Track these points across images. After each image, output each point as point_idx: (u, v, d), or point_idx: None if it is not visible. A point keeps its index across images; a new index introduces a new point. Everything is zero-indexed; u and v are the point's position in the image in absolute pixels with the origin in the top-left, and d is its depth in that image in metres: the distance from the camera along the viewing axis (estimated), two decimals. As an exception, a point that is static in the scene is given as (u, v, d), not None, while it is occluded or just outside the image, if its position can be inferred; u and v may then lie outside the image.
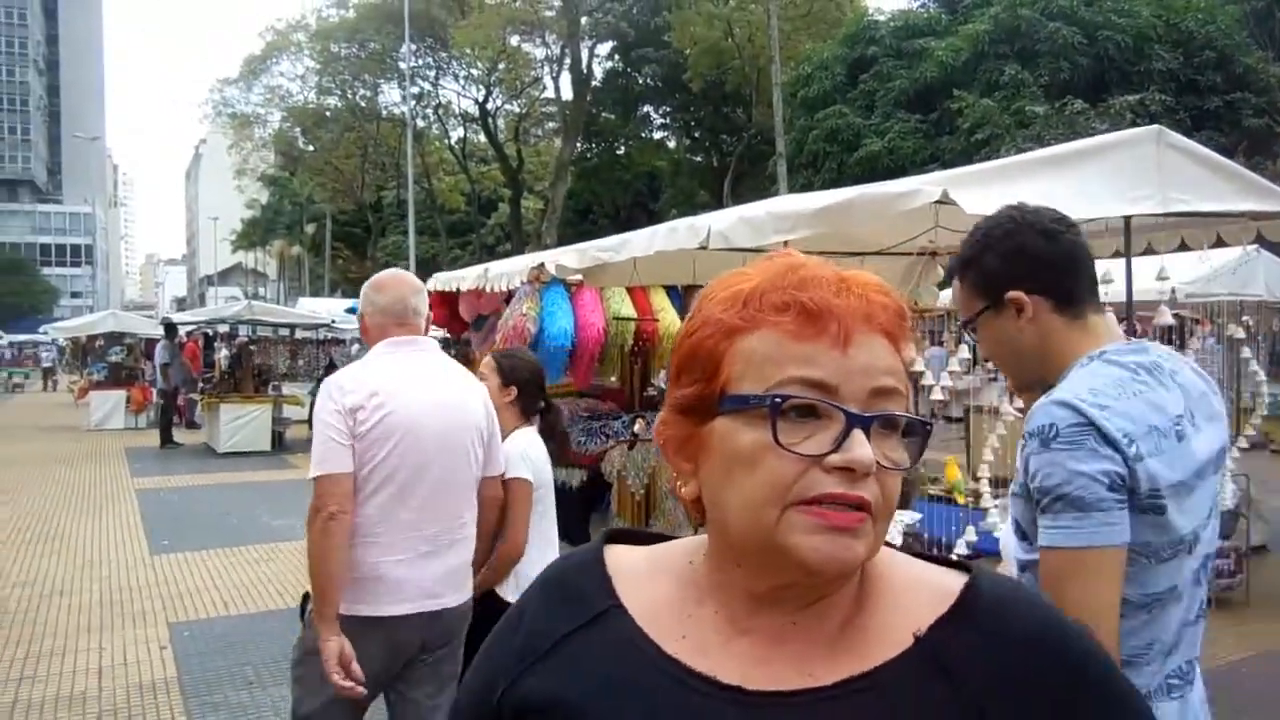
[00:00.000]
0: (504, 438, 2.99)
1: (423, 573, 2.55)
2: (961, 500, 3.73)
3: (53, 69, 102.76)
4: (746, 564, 0.74)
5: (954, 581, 0.76)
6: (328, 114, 40.52)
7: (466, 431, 2.68)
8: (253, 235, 60.62)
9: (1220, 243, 4.76)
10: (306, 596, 2.59)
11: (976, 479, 3.56)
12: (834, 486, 0.68)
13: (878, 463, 0.69)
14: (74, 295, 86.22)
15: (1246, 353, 4.39)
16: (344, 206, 45.90)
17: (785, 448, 0.69)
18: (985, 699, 0.70)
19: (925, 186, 3.27)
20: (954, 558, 0.82)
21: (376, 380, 2.55)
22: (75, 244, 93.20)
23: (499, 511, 2.91)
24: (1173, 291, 4.43)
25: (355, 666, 2.38)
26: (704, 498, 0.76)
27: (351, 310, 18.75)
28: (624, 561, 0.83)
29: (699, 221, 4.47)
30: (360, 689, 2.38)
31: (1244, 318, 4.41)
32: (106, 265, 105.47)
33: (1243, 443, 4.79)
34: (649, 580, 0.81)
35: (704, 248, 4.31)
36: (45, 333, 29.30)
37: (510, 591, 3.04)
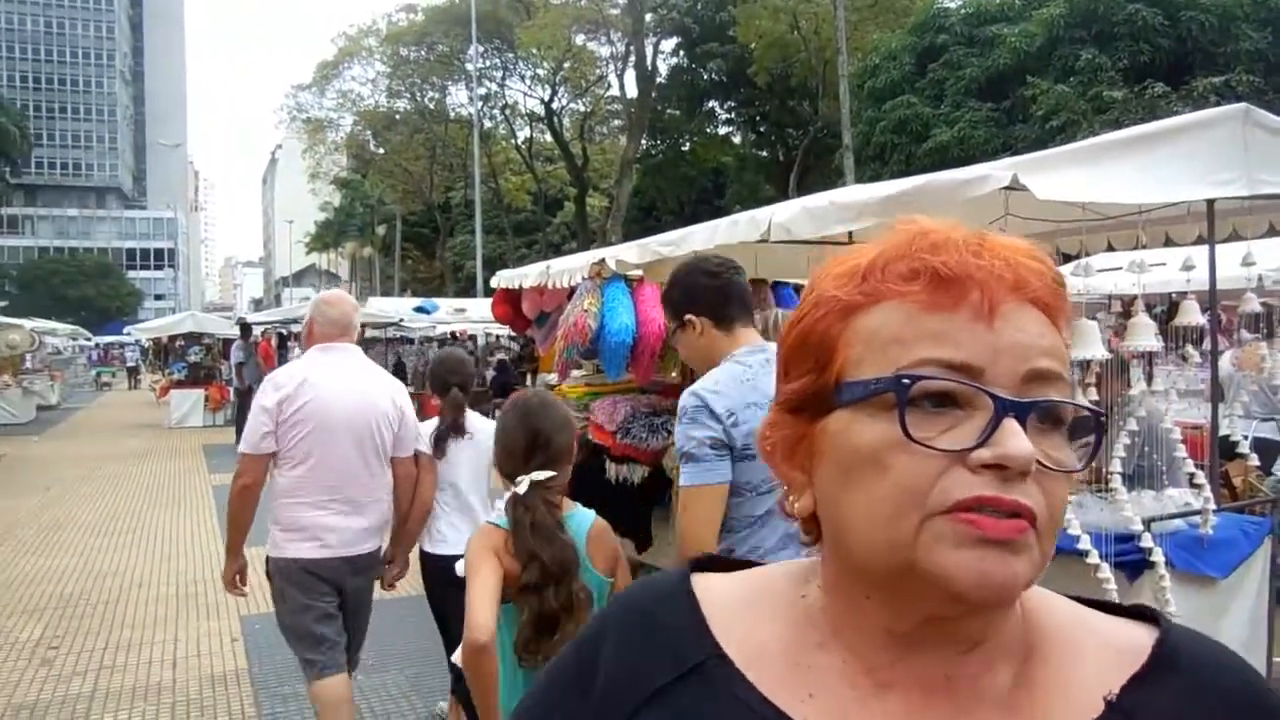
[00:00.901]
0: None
1: (342, 526, 3.33)
2: (1033, 497, 3.59)
3: (138, 80, 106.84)
4: (878, 594, 0.60)
5: (1141, 634, 0.64)
6: (397, 116, 41.35)
7: (373, 418, 3.37)
8: (326, 237, 62.13)
9: (1313, 227, 4.52)
10: (268, 559, 3.38)
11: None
12: (983, 489, 0.55)
13: (1039, 462, 0.55)
14: (158, 297, 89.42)
15: (1342, 342, 4.15)
16: (413, 207, 46.73)
17: (919, 442, 0.56)
18: None
19: (995, 172, 3.14)
20: (1130, 605, 0.69)
21: (305, 374, 3.33)
22: (159, 248, 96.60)
23: (412, 483, 3.53)
24: (1259, 278, 4.21)
25: (242, 584, 3.48)
26: (820, 512, 0.63)
27: (420, 309, 19.08)
28: (717, 595, 0.68)
29: (760, 214, 4.39)
30: (245, 592, 3.56)
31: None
32: (188, 268, 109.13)
33: (1339, 437, 4.53)
34: (752, 620, 0.66)
35: (765, 240, 4.24)
36: (129, 333, 30.38)
37: (428, 543, 3.67)
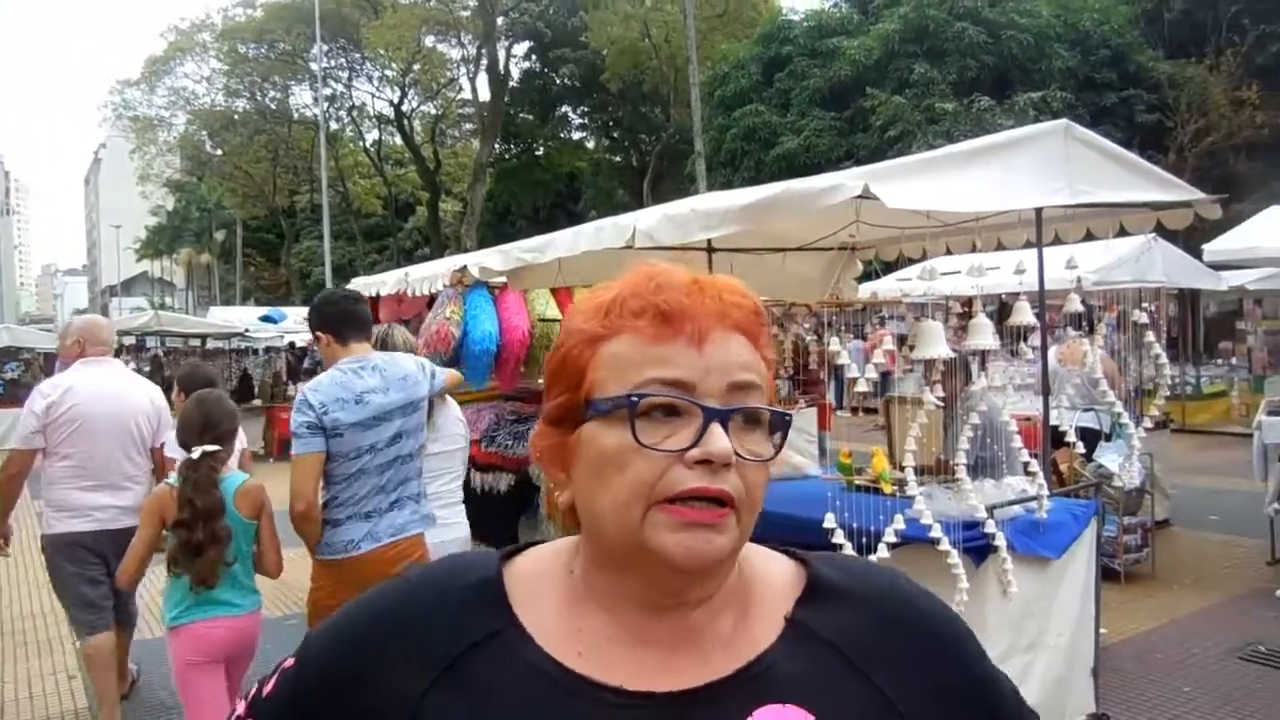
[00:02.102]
0: None
1: (106, 504, 4.00)
2: (888, 490, 3.79)
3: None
4: (626, 569, 0.75)
5: (796, 568, 0.84)
6: (236, 117, 39.30)
7: (131, 416, 4.15)
8: (159, 243, 58.44)
9: (1123, 232, 4.94)
10: (43, 537, 4.08)
11: (901, 468, 3.62)
12: (696, 481, 0.70)
13: (739, 455, 0.71)
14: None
15: (1150, 337, 4.56)
16: (255, 212, 44.53)
17: (647, 446, 0.71)
18: (850, 647, 0.78)
19: (848, 181, 3.28)
20: (782, 548, 0.87)
21: (70, 383, 4.07)
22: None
23: (162, 472, 4.10)
24: (1078, 280, 4.57)
25: (7, 546, 4.20)
26: (577, 505, 0.77)
27: (267, 319, 18.23)
28: (516, 575, 0.81)
29: (624, 220, 4.44)
30: (9, 551, 4.26)
31: (1143, 304, 4.58)
32: None
33: (1147, 423, 4.97)
34: (536, 594, 0.80)
35: (630, 246, 4.28)
36: (-67, 350, 27.66)
37: None
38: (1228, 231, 8.28)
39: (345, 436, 3.03)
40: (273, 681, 0.84)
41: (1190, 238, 8.41)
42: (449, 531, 3.73)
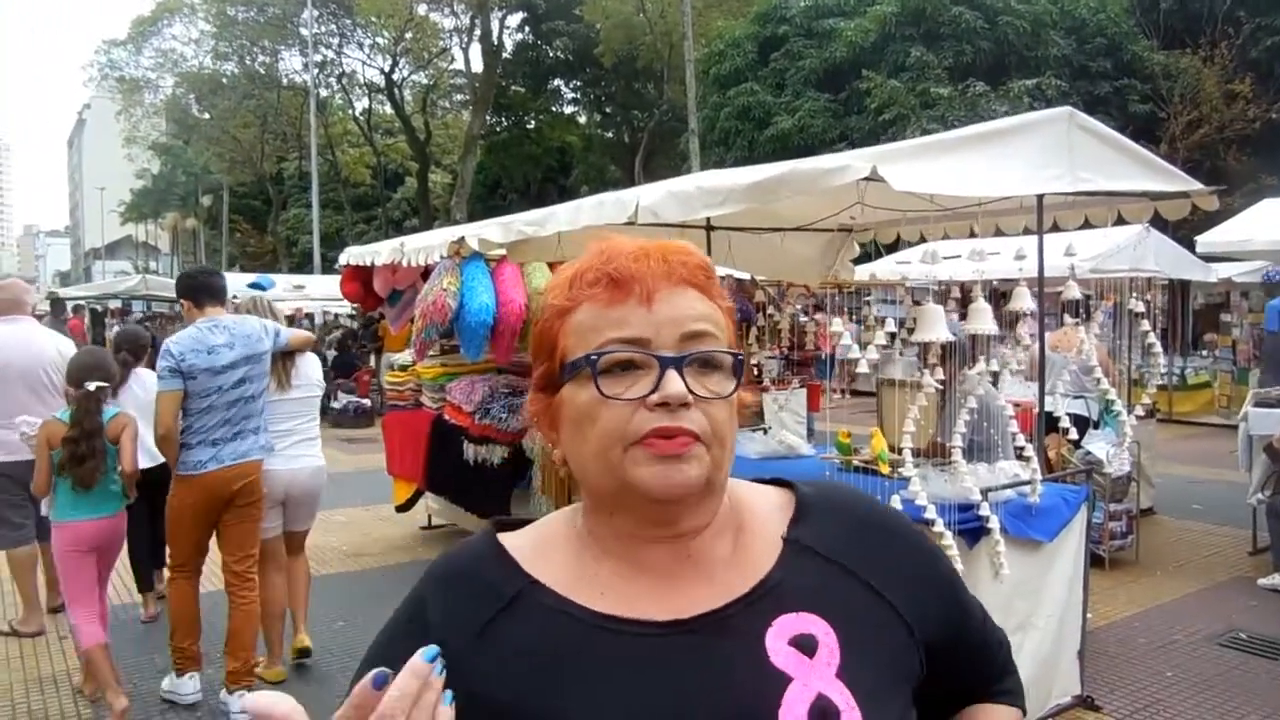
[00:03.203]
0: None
1: (15, 437, 4.43)
2: (885, 470, 3.82)
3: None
4: (618, 510, 0.83)
5: (785, 495, 0.94)
6: (224, 80, 38.72)
7: (40, 365, 4.95)
8: (143, 207, 57.79)
9: (1120, 221, 4.97)
10: None
11: (898, 451, 3.65)
12: (658, 421, 0.78)
13: (698, 395, 0.79)
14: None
15: (1145, 326, 4.59)
16: (242, 178, 44.00)
17: (610, 397, 0.79)
18: (842, 555, 0.88)
19: (855, 162, 3.28)
20: (770, 478, 0.98)
21: None
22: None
23: None
24: (1072, 268, 4.60)
25: None
26: (568, 459, 0.86)
27: (255, 285, 18.07)
28: (518, 543, 0.89)
29: (626, 195, 4.43)
30: None
31: (1133, 294, 4.61)
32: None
33: (1139, 411, 5.01)
34: (545, 554, 0.87)
35: (631, 222, 4.27)
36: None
37: None
38: (1218, 224, 8.34)
39: (199, 379, 3.87)
40: None
41: (1179, 229, 8.46)
42: (302, 461, 4.42)
